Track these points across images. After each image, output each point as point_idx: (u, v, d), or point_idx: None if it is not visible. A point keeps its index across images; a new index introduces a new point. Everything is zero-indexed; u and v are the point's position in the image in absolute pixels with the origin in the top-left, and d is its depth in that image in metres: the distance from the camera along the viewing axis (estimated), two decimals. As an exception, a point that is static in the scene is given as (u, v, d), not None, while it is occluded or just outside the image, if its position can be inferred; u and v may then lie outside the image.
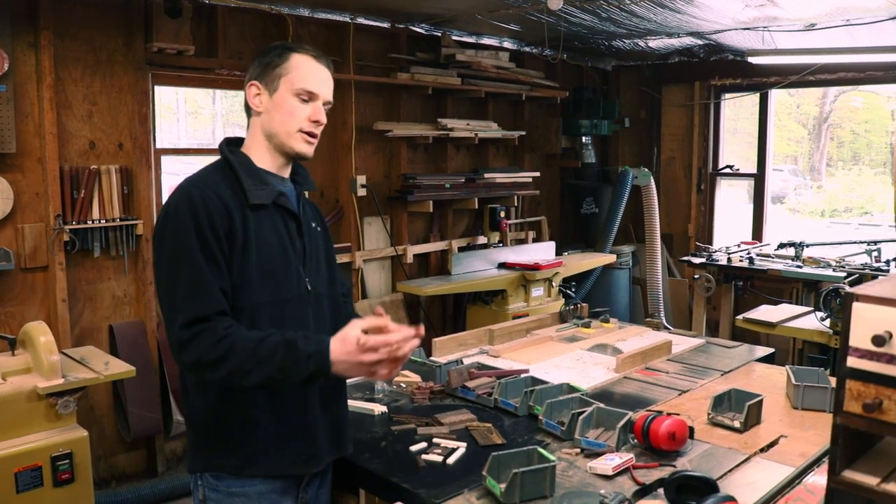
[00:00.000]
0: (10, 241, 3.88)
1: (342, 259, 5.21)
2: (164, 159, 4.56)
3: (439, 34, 5.62)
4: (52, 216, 3.93)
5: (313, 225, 2.08)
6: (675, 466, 2.05)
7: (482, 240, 6.26)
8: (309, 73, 1.91)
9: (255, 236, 1.86)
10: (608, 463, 2.03)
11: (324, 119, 1.95)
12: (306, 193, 2.12)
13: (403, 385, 2.78)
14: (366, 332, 1.77)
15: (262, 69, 1.93)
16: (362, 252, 5.42)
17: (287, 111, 1.90)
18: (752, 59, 6.03)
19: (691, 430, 2.22)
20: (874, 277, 4.67)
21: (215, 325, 1.74)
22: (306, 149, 1.94)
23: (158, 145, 4.44)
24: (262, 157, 1.96)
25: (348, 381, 2.58)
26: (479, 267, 5.73)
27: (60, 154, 3.97)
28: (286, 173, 2.02)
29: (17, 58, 3.80)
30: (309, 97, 1.91)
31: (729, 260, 5.73)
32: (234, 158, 1.93)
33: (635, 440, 2.19)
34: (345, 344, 1.75)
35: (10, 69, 3.75)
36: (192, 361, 1.76)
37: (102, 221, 4.09)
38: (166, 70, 4.35)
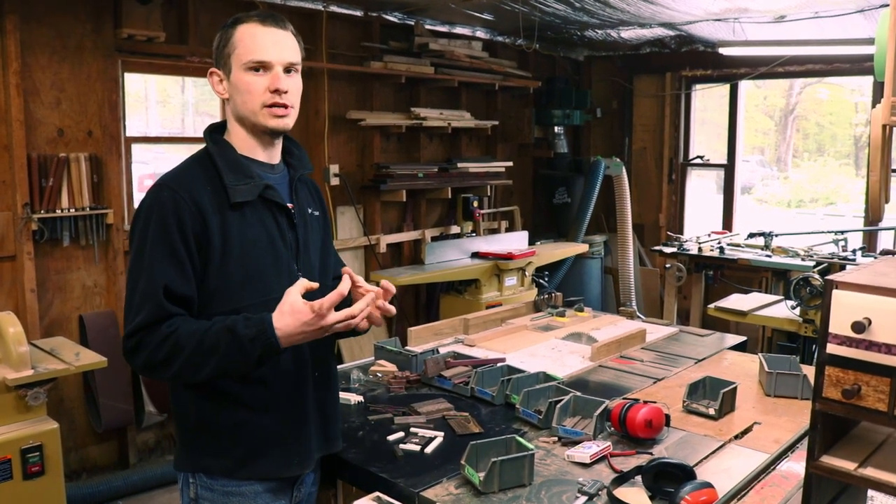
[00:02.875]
0: (-25, 230, 3.80)
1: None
2: (135, 148, 4.49)
3: (412, 23, 5.59)
4: (19, 205, 3.86)
5: (310, 210, 1.97)
6: (651, 454, 2.07)
7: (455, 229, 6.27)
8: (255, 42, 1.76)
9: (238, 236, 1.77)
10: (586, 451, 2.04)
11: (285, 86, 1.77)
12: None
13: (379, 374, 2.78)
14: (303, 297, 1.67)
15: (216, 53, 1.82)
16: (335, 241, 5.39)
17: (244, 90, 1.77)
18: (723, 51, 6.09)
19: (668, 417, 2.24)
20: (842, 267, 4.75)
21: (158, 326, 1.68)
22: (277, 122, 1.80)
23: (128, 133, 4.37)
24: (244, 143, 1.85)
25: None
26: (452, 256, 5.72)
27: (28, 141, 3.90)
28: (275, 157, 1.91)
29: (-19, 43, 3.72)
30: (262, 67, 1.77)
31: (700, 249, 5.79)
32: (215, 150, 1.82)
33: (612, 428, 2.21)
34: (297, 315, 1.64)
35: (-25, 54, 3.67)
36: (141, 365, 1.71)
37: (72, 210, 4.03)
38: (136, 57, 4.29)
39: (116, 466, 4.39)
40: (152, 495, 4.15)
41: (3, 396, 3.06)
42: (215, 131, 1.90)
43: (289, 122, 1.83)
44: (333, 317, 1.66)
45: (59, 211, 3.99)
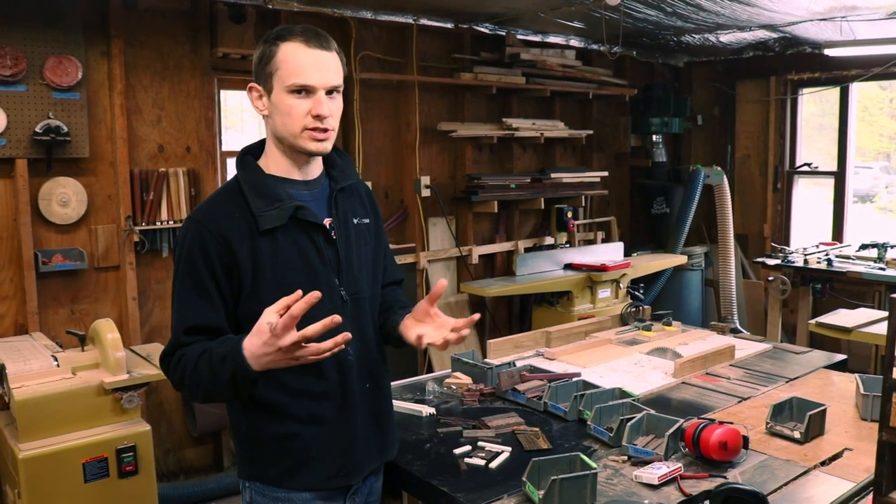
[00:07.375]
0: (84, 241, 4.03)
1: (406, 259, 5.22)
2: (230, 161, 4.66)
3: (503, 33, 5.58)
4: (122, 218, 4.07)
5: (355, 221, 1.93)
6: (725, 478, 1.97)
7: (549, 240, 6.19)
8: (299, 64, 1.72)
9: (270, 260, 1.77)
10: (654, 472, 1.95)
11: (326, 111, 1.74)
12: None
13: (454, 387, 2.76)
14: (280, 314, 1.56)
15: (257, 68, 1.79)
16: (427, 253, 5.42)
17: (285, 111, 1.74)
18: (830, 52, 5.78)
19: (746, 439, 2.12)
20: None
21: (174, 353, 1.76)
22: (317, 146, 1.78)
23: (229, 147, 4.54)
24: (279, 163, 1.84)
25: (395, 383, 2.58)
26: (544, 268, 5.66)
27: (131, 158, 4.11)
28: (313, 173, 1.89)
29: (90, 66, 3.95)
30: (304, 90, 1.73)
31: (806, 262, 5.50)
32: (243, 176, 1.82)
33: (686, 449, 2.11)
34: (259, 334, 1.57)
35: (84, 77, 3.90)
36: (173, 385, 1.81)
37: (170, 222, 4.21)
38: (231, 74, 4.46)
39: (211, 469, 4.55)
40: (244, 499, 4.27)
41: (101, 399, 3.22)
42: (250, 152, 1.90)
43: (328, 145, 1.81)
44: (289, 337, 1.53)
45: (158, 223, 4.18)
